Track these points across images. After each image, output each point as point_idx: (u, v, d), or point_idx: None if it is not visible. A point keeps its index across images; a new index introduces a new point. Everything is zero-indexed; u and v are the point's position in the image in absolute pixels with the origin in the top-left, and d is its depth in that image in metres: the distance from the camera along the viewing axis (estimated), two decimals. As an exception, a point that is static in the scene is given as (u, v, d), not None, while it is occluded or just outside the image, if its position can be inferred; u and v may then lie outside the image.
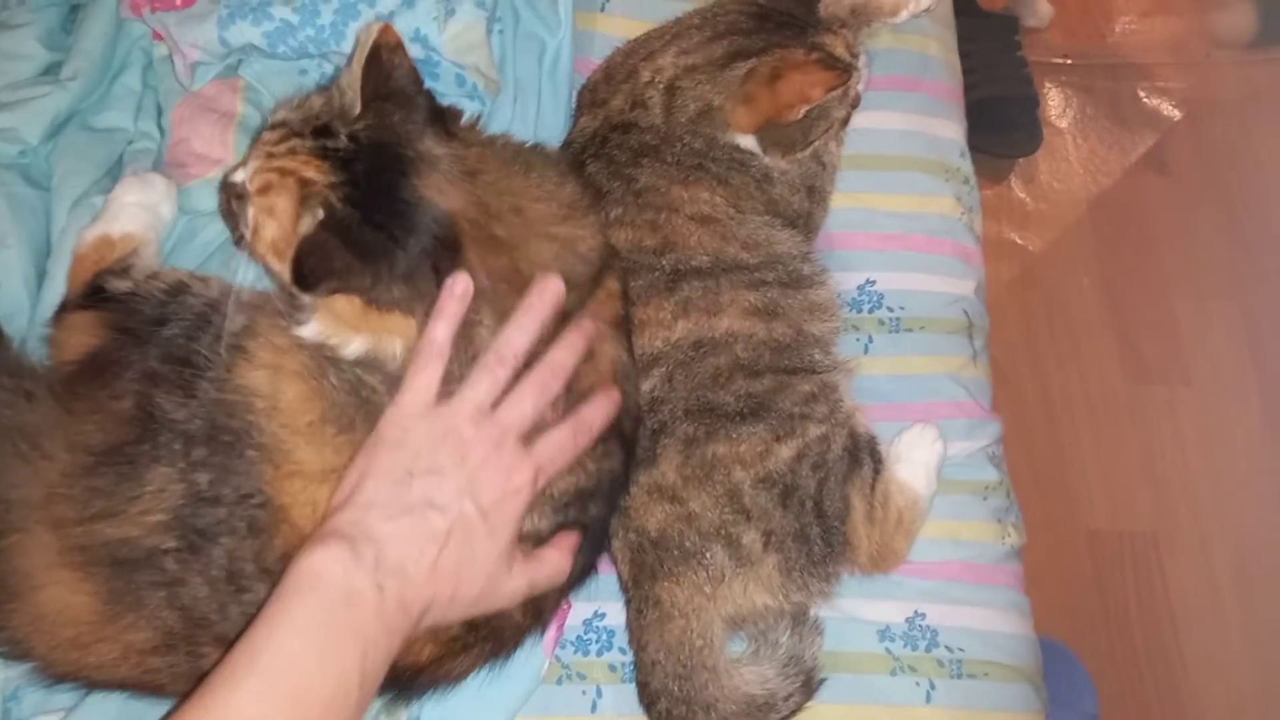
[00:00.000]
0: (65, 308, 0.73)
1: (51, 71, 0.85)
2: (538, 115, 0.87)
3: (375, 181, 0.62)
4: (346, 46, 0.77)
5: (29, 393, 0.66)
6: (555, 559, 0.66)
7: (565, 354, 0.65)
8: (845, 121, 0.89)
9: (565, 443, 0.65)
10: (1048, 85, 1.80)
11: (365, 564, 0.56)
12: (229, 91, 0.85)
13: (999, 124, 1.68)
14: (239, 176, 0.65)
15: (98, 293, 0.72)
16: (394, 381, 0.63)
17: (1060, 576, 1.42)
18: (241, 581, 0.61)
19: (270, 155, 0.64)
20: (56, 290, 0.76)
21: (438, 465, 0.60)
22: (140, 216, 0.79)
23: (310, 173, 0.62)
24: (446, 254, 0.62)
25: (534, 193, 0.68)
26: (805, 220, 0.86)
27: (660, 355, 0.76)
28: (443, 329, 0.62)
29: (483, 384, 0.62)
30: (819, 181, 0.88)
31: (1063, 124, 1.76)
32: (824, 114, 0.83)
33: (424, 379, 0.62)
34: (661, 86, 0.84)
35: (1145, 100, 1.78)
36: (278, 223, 0.62)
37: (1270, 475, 1.50)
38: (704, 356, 0.76)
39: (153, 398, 0.64)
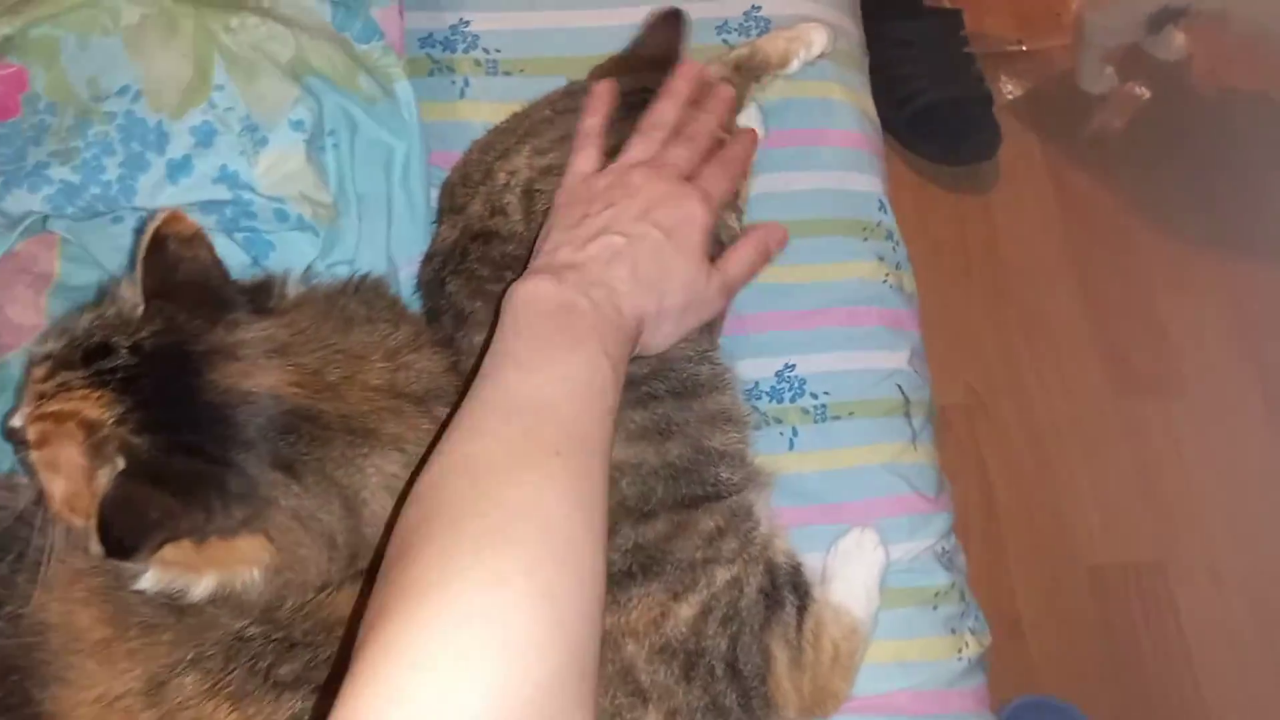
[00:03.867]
0: None
1: None
2: (389, 231, 0.78)
3: (168, 395, 0.53)
4: (140, 200, 0.68)
5: None
6: (744, 258, 0.69)
7: (709, 117, 0.72)
8: (735, 195, 0.79)
9: (720, 174, 0.69)
10: (1003, 77, 1.68)
11: (569, 283, 0.59)
12: (45, 249, 0.76)
13: (953, 129, 1.57)
14: (16, 422, 0.56)
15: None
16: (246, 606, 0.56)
17: (1061, 622, 1.31)
18: None
19: (40, 397, 0.55)
20: None
21: (612, 201, 0.65)
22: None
23: (91, 411, 0.53)
24: (285, 439, 0.54)
25: (357, 343, 0.60)
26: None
27: None
28: (591, 119, 0.71)
29: (639, 145, 0.69)
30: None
31: (1021, 117, 1.64)
32: None
33: (582, 158, 0.69)
34: (518, 190, 0.75)
35: (1110, 81, 1.67)
36: (67, 480, 0.54)
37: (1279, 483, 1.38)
38: None
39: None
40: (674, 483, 0.69)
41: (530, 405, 0.52)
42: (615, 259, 0.61)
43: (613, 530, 0.66)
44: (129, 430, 0.53)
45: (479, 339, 0.71)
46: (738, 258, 0.69)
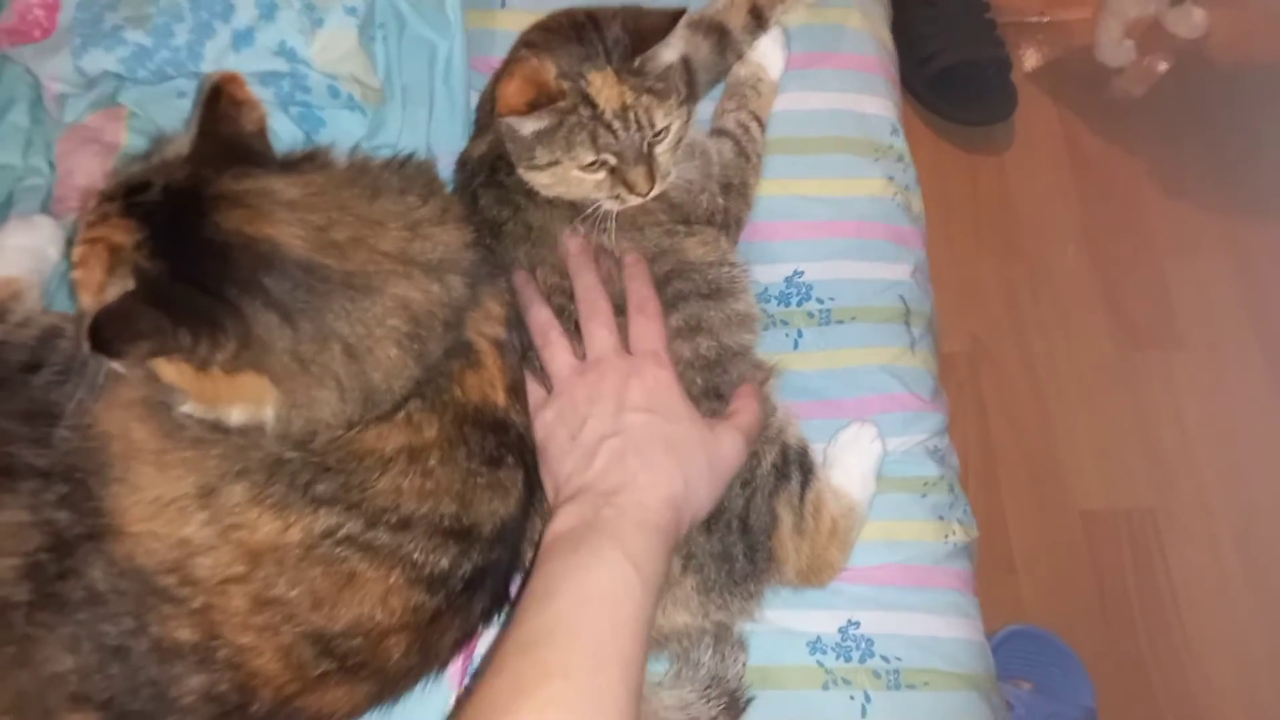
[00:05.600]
0: (-64, 356, 0.71)
1: (-66, 115, 0.84)
2: (430, 122, 0.83)
3: (179, 231, 0.58)
4: (206, 67, 0.74)
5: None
6: (747, 407, 0.72)
7: (584, 281, 0.73)
8: (679, 137, 0.77)
9: (644, 325, 0.71)
10: (1024, 46, 1.72)
11: (588, 503, 0.62)
12: (113, 122, 0.83)
13: (971, 90, 1.62)
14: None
15: (-31, 342, 0.70)
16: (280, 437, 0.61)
17: (1053, 562, 1.36)
18: (101, 640, 0.59)
19: (88, 226, 0.60)
20: (-67, 339, 0.74)
21: (583, 414, 0.67)
22: (24, 260, 0.77)
23: (117, 236, 0.59)
24: (281, 285, 0.59)
25: (379, 211, 0.64)
26: (723, 216, 0.82)
27: None
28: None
29: (554, 358, 0.71)
30: (736, 177, 0.83)
31: (1039, 85, 1.68)
32: (562, 136, 0.72)
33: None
34: None
35: (1129, 54, 1.70)
36: (91, 297, 0.59)
37: (1275, 438, 1.42)
38: None
39: (10, 451, 0.62)
40: (707, 373, 0.75)
41: (545, 632, 0.56)
42: (622, 459, 0.64)
43: None
44: (144, 255, 0.58)
45: (521, 253, 0.76)
46: (743, 406, 0.72)
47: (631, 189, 0.74)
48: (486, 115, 0.83)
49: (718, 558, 0.71)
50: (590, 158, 0.72)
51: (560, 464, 0.67)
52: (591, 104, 0.72)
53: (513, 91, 0.71)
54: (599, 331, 0.71)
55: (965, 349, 1.47)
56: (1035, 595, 1.33)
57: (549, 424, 0.69)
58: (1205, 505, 1.38)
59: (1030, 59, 1.72)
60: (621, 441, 0.65)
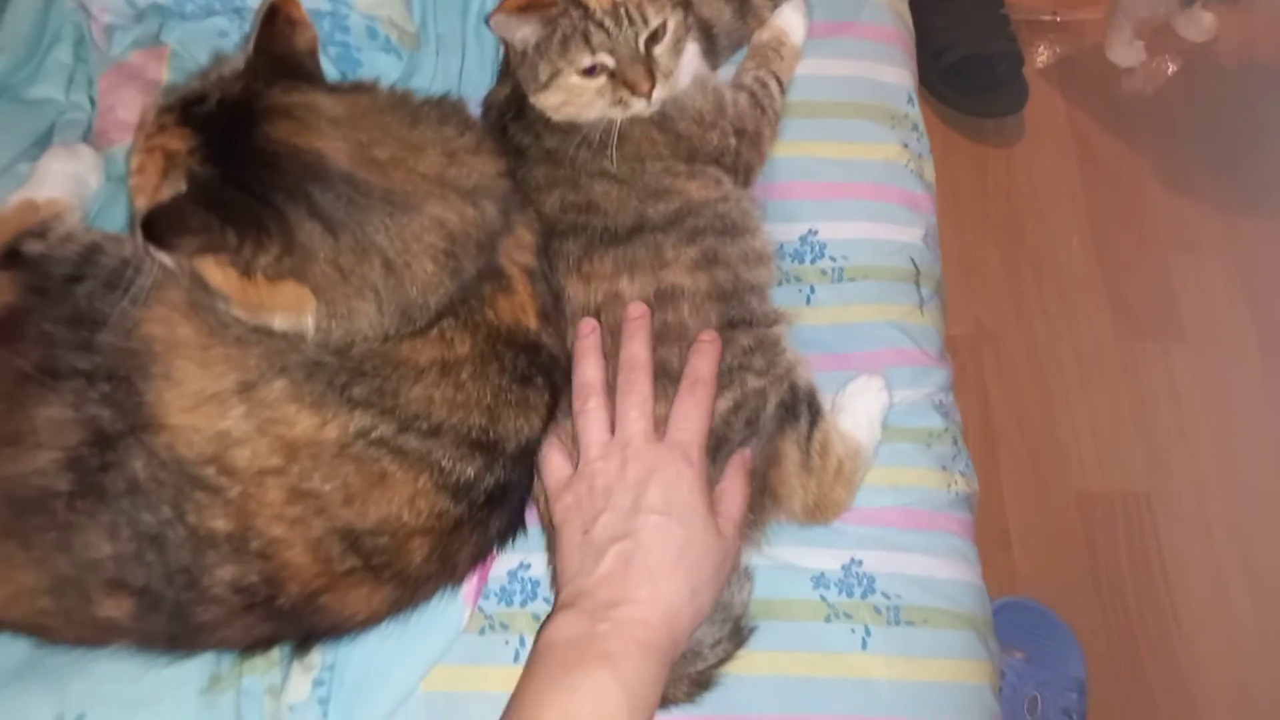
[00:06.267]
0: (-17, 269, 0.74)
1: (-19, 48, 0.87)
2: (462, 70, 0.86)
3: (228, 137, 0.61)
4: (252, 2, 0.77)
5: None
6: (735, 488, 0.72)
7: (632, 347, 0.72)
8: (678, 38, 0.78)
9: (688, 406, 0.70)
10: (1036, 44, 1.75)
11: (586, 611, 0.62)
12: (155, 60, 0.85)
13: (982, 82, 1.65)
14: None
15: (15, 255, 0.73)
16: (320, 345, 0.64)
17: (1049, 540, 1.38)
18: (139, 528, 0.61)
19: (147, 137, 0.64)
20: (-23, 252, 0.77)
21: (599, 508, 0.66)
22: (66, 184, 0.80)
23: (173, 143, 0.62)
24: (324, 195, 0.61)
25: (419, 136, 0.67)
26: (733, 159, 0.84)
27: (603, 306, 0.76)
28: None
29: (585, 429, 0.70)
30: (750, 124, 0.86)
31: (1050, 81, 1.72)
32: (557, 43, 0.74)
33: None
34: None
35: (1139, 54, 1.73)
36: (145, 198, 0.62)
37: (1270, 429, 1.44)
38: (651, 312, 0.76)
39: (54, 353, 0.65)
40: (722, 305, 0.78)
41: None
42: (628, 566, 0.63)
43: (675, 340, 0.75)
44: (196, 161, 0.61)
45: (539, 174, 0.79)
46: (730, 487, 0.72)
47: (633, 89, 0.75)
48: (508, 62, 0.86)
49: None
50: (587, 60, 0.74)
51: (568, 558, 0.66)
52: (581, 5, 0.73)
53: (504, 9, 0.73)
54: (631, 412, 0.69)
55: (969, 332, 1.50)
56: (1030, 571, 1.36)
57: (566, 509, 0.68)
58: (1199, 491, 1.41)
59: (1042, 56, 1.75)
60: (631, 546, 0.64)
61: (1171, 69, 1.74)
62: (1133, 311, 1.54)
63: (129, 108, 0.85)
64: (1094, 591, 1.36)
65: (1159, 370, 1.49)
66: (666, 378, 0.74)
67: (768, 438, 0.76)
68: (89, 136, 0.86)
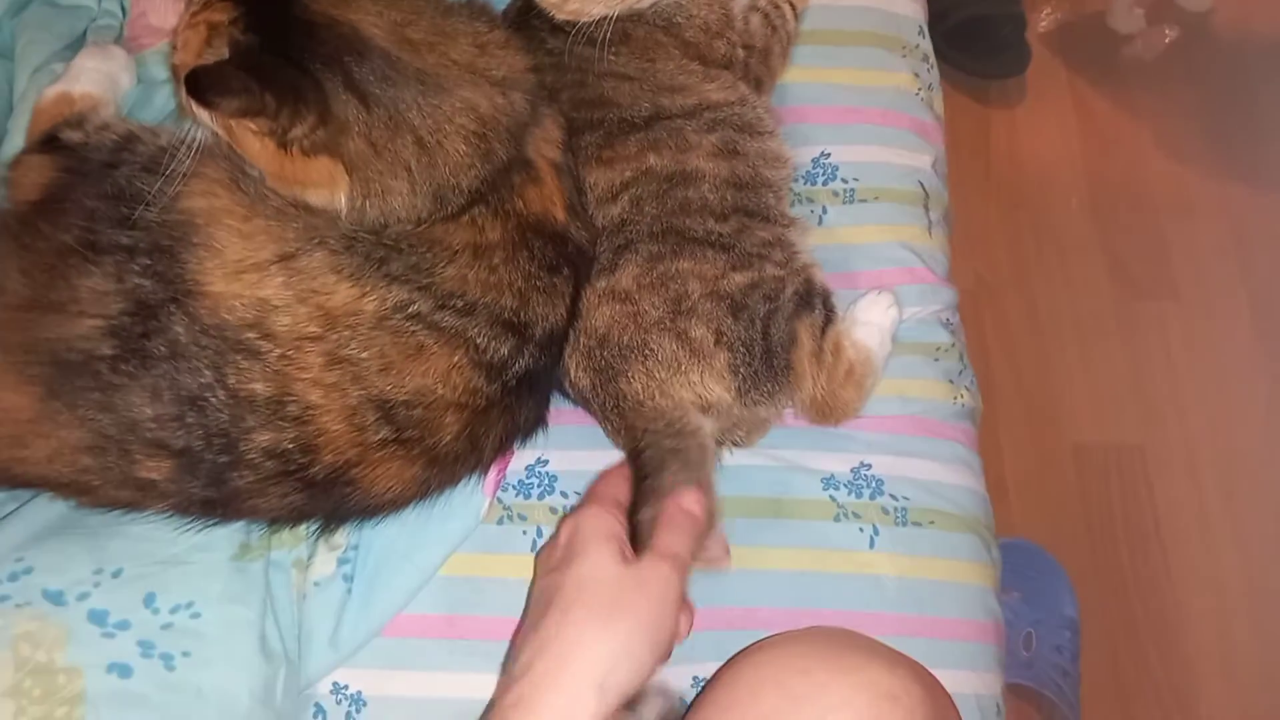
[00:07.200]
0: (23, 153, 0.75)
1: (16, -49, 0.88)
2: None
3: (270, 8, 0.63)
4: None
5: (-19, 228, 0.69)
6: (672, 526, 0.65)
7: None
8: None
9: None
10: (1039, 8, 1.78)
11: None
12: (186, -33, 0.87)
13: (985, 45, 1.67)
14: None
15: (53, 142, 0.74)
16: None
17: (1044, 490, 1.41)
18: (180, 390, 0.63)
19: (192, 15, 0.65)
20: (15, 146, 0.78)
21: None
22: (100, 80, 0.81)
23: (216, 15, 0.63)
24: (360, 68, 0.63)
25: (451, 26, 0.68)
26: (742, 69, 0.87)
27: (630, 182, 0.78)
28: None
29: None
30: (760, 41, 0.88)
31: (1051, 47, 1.74)
32: None
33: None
34: None
35: (1139, 22, 1.76)
36: (188, 66, 0.64)
37: (1259, 388, 1.47)
38: (674, 188, 0.78)
39: (95, 228, 0.66)
40: (740, 192, 0.80)
41: None
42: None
43: (697, 213, 0.78)
44: (238, 30, 0.63)
45: (550, 79, 0.80)
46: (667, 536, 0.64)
47: None
48: None
49: (744, 343, 0.75)
50: None
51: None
52: None
53: None
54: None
55: (970, 287, 1.52)
56: (1026, 519, 1.38)
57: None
58: (1191, 445, 1.44)
59: (1044, 21, 1.78)
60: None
61: (1170, 37, 1.77)
62: (1128, 272, 1.57)
63: (160, 13, 0.87)
64: (1087, 539, 1.38)
65: (1153, 329, 1.52)
66: (688, 240, 0.76)
67: (786, 319, 0.78)
68: (120, 41, 0.88)
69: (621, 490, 0.68)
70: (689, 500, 0.66)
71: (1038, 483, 1.42)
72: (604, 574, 0.59)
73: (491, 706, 0.57)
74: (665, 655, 0.60)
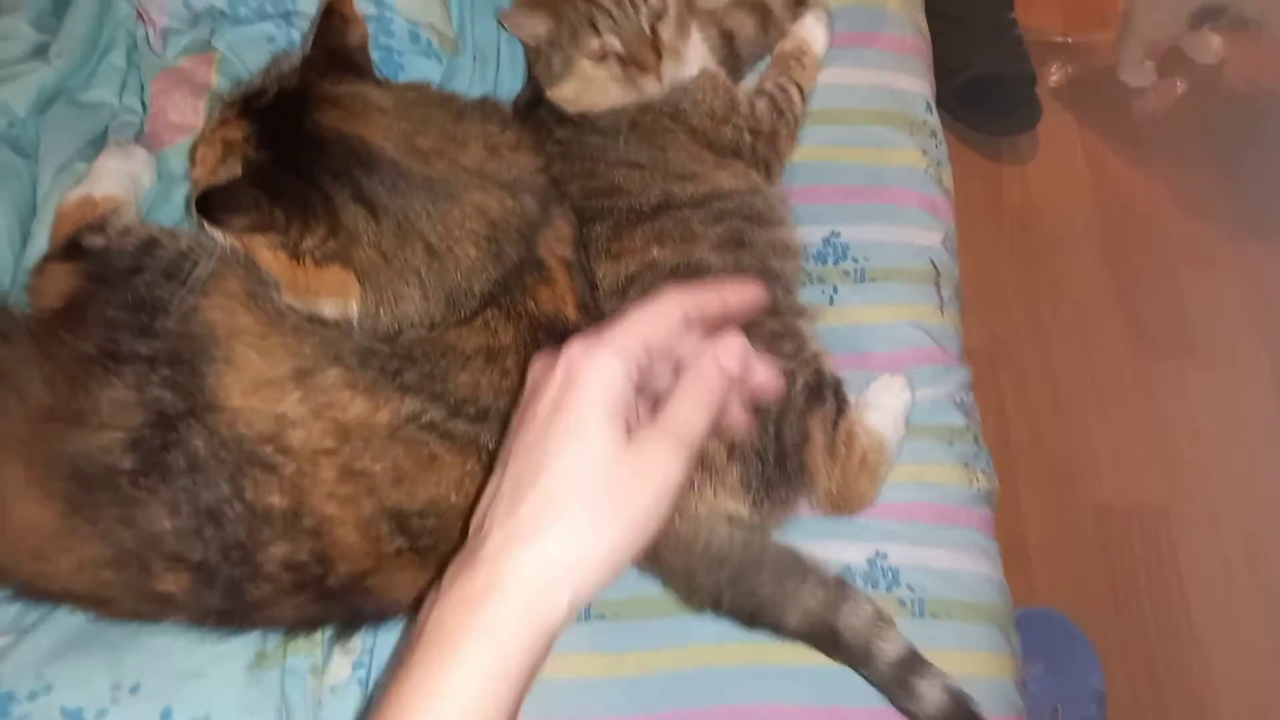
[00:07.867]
0: (46, 260, 0.77)
1: (41, 52, 0.90)
2: (496, 78, 0.90)
3: (282, 124, 0.65)
4: (303, 6, 0.80)
5: (5, 334, 0.70)
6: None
7: None
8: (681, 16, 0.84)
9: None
10: (1049, 64, 1.79)
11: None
12: (204, 65, 0.89)
13: (996, 102, 1.68)
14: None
15: (76, 248, 0.76)
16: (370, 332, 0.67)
17: (1066, 553, 1.39)
18: (198, 504, 0.63)
19: (210, 131, 0.68)
20: (39, 248, 0.80)
21: None
22: (122, 181, 0.83)
23: (232, 133, 0.66)
24: (369, 180, 0.64)
25: (462, 131, 0.70)
26: (750, 154, 0.87)
27: (635, 276, 0.79)
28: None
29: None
30: (766, 125, 0.89)
31: (1063, 101, 1.75)
32: (566, 33, 0.81)
33: None
34: None
35: (1149, 75, 1.77)
36: (203, 184, 0.65)
37: (1282, 446, 1.46)
38: (679, 282, 0.77)
39: (116, 338, 0.68)
40: None
41: None
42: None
43: None
44: (251, 147, 0.65)
45: (557, 170, 0.81)
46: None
47: (642, 68, 0.80)
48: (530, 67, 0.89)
49: (756, 452, 0.75)
50: (594, 42, 0.79)
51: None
52: None
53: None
54: None
55: (986, 347, 1.51)
56: (1048, 584, 1.36)
57: None
58: (1214, 506, 1.42)
59: (1054, 76, 1.78)
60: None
61: (1181, 90, 1.77)
62: (1146, 329, 1.56)
63: (180, 110, 0.88)
64: (1111, 604, 1.36)
65: (1173, 386, 1.51)
66: None
67: (798, 415, 0.78)
68: (141, 138, 0.89)
69: (656, 330, 0.49)
70: (727, 350, 0.49)
71: (1059, 545, 1.40)
72: (596, 464, 0.46)
73: (458, 575, 0.45)
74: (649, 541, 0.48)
